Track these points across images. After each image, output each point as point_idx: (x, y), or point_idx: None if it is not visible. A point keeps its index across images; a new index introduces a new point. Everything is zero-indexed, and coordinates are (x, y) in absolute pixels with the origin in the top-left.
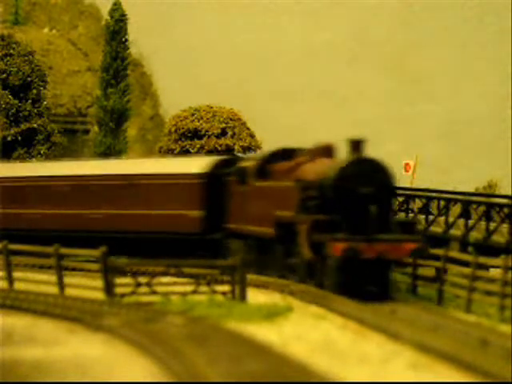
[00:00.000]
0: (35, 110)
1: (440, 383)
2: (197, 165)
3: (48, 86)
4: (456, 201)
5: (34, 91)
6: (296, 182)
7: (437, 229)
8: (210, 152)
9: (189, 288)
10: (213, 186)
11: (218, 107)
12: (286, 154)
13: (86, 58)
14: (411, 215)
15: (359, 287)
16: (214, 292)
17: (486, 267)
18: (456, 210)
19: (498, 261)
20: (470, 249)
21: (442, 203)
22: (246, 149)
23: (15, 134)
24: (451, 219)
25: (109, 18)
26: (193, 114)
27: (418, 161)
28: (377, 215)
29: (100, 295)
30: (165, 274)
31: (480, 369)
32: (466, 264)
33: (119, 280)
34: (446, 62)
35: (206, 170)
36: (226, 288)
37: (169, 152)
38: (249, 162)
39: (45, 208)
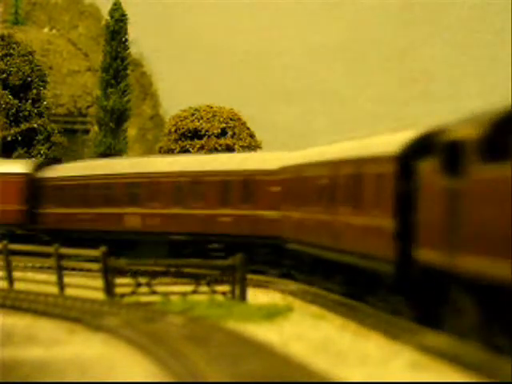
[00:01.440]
0: (35, 110)
1: (440, 383)
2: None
3: (48, 86)
4: None
5: (34, 91)
6: None
7: None
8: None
9: (189, 288)
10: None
11: (217, 107)
12: None
13: (86, 58)
14: None
15: None
16: (214, 292)
17: None
18: None
19: None
20: None
21: None
22: (246, 149)
23: (15, 134)
24: None
25: (109, 18)
26: (193, 114)
27: None
28: None
29: (100, 295)
30: (165, 273)
31: (480, 369)
32: None
33: (119, 280)
34: (446, 62)
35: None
36: (225, 288)
37: (169, 152)
38: (465, 129)
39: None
